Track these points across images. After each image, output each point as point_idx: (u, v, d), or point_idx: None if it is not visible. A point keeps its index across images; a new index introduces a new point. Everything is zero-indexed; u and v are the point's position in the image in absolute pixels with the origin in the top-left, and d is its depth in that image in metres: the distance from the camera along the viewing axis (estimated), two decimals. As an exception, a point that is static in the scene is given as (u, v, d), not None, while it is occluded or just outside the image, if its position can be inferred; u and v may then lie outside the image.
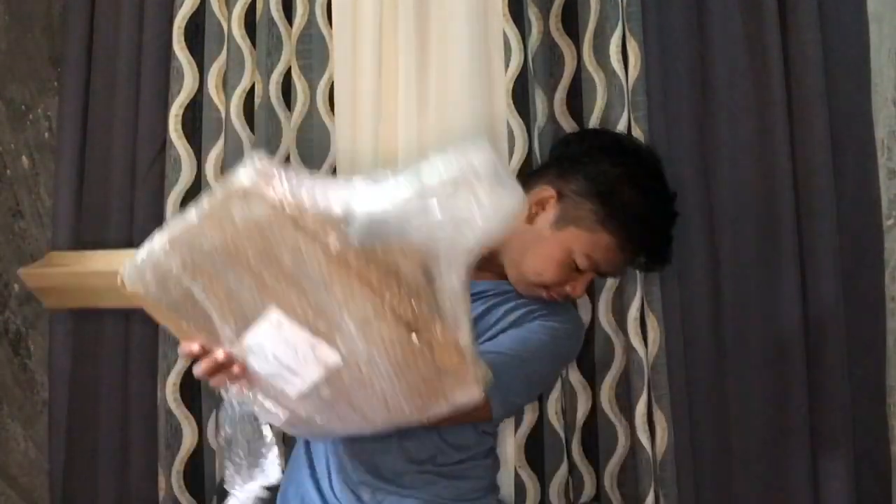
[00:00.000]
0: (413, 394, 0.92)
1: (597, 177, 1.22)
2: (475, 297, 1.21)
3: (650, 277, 1.48)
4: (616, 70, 1.48)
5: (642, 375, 1.47)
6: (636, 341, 1.48)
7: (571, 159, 1.26)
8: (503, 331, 1.22)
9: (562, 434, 1.51)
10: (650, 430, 1.48)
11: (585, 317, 1.54)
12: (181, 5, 1.55)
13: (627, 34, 1.49)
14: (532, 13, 1.52)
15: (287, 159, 1.55)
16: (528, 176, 1.34)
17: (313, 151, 1.55)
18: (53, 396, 1.63)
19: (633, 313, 1.48)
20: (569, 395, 1.53)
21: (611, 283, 1.51)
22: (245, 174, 0.85)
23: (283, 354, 0.91)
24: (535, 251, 1.22)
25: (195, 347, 0.95)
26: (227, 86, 1.55)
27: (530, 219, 1.22)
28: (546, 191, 1.22)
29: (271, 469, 1.10)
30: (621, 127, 1.48)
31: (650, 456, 1.47)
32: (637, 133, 1.48)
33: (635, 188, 1.21)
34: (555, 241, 1.21)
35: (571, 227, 1.20)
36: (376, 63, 1.53)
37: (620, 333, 1.52)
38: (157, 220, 1.55)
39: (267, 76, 1.54)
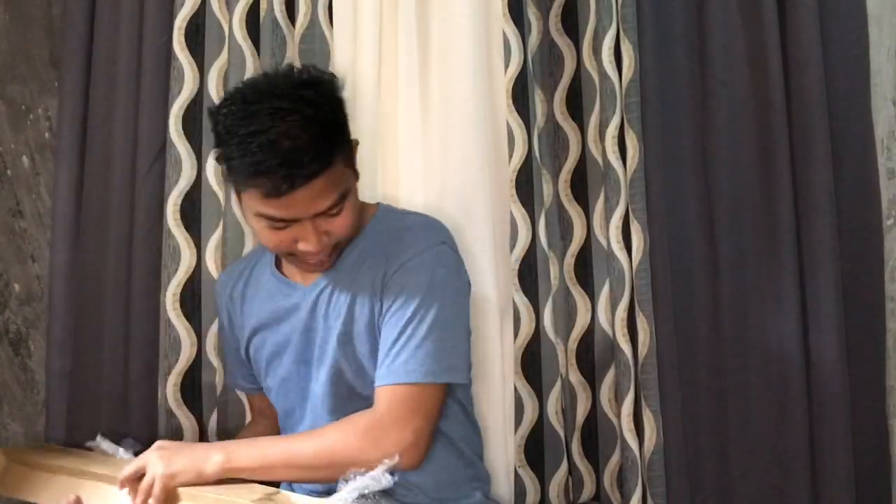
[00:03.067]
0: None
1: (216, 143, 1.23)
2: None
3: (641, 277, 1.48)
4: (608, 72, 1.48)
5: (629, 375, 1.47)
6: (623, 342, 1.48)
7: None
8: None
9: (562, 434, 1.51)
10: (638, 430, 1.49)
11: (585, 316, 1.54)
12: (181, 6, 1.55)
13: (621, 35, 1.49)
14: (532, 13, 1.52)
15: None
16: None
17: (313, 151, 1.55)
18: (49, 396, 1.63)
19: (621, 313, 1.48)
20: (569, 395, 1.54)
21: (608, 283, 1.51)
22: None
23: None
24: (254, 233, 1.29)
25: None
26: (227, 86, 1.55)
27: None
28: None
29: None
30: (614, 129, 1.48)
31: (636, 456, 1.48)
32: (630, 135, 1.48)
33: (224, 131, 1.20)
34: (247, 215, 1.25)
35: (241, 196, 1.23)
36: (377, 63, 1.53)
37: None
38: (158, 220, 1.56)
39: (269, 76, 1.54)
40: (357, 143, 1.30)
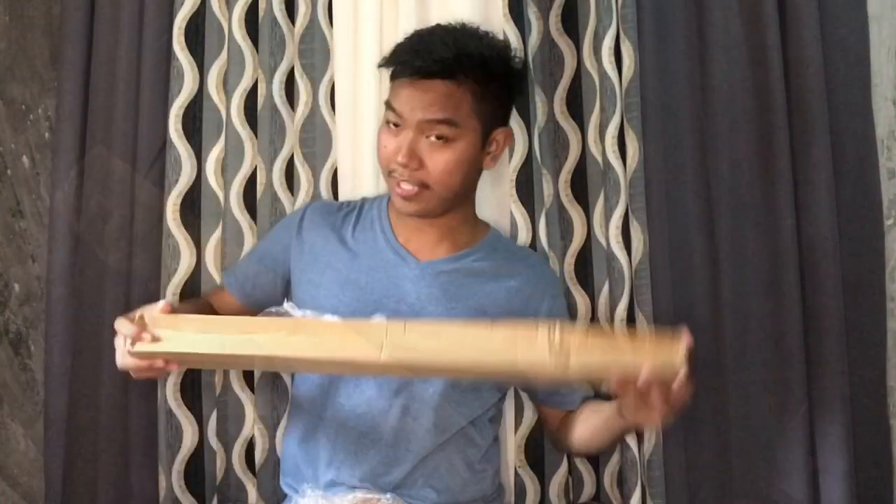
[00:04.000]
0: None
1: None
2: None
3: (641, 277, 1.48)
4: (608, 72, 1.48)
5: None
6: None
7: None
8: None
9: (562, 434, 1.51)
10: (637, 430, 1.48)
11: (585, 317, 1.54)
12: (181, 5, 1.55)
13: (622, 35, 1.49)
14: (532, 13, 1.52)
15: (291, 159, 1.55)
16: None
17: (315, 151, 1.55)
18: (50, 396, 1.63)
19: (620, 314, 1.48)
20: (569, 395, 1.54)
21: (608, 283, 1.51)
22: None
23: None
24: None
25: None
26: (227, 86, 1.55)
27: None
28: None
29: None
30: (614, 129, 1.48)
31: (636, 456, 1.48)
32: (630, 135, 1.48)
33: None
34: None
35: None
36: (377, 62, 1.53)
37: (620, 333, 1.52)
38: (157, 220, 1.56)
39: (270, 75, 1.54)
40: (510, 132, 1.35)
